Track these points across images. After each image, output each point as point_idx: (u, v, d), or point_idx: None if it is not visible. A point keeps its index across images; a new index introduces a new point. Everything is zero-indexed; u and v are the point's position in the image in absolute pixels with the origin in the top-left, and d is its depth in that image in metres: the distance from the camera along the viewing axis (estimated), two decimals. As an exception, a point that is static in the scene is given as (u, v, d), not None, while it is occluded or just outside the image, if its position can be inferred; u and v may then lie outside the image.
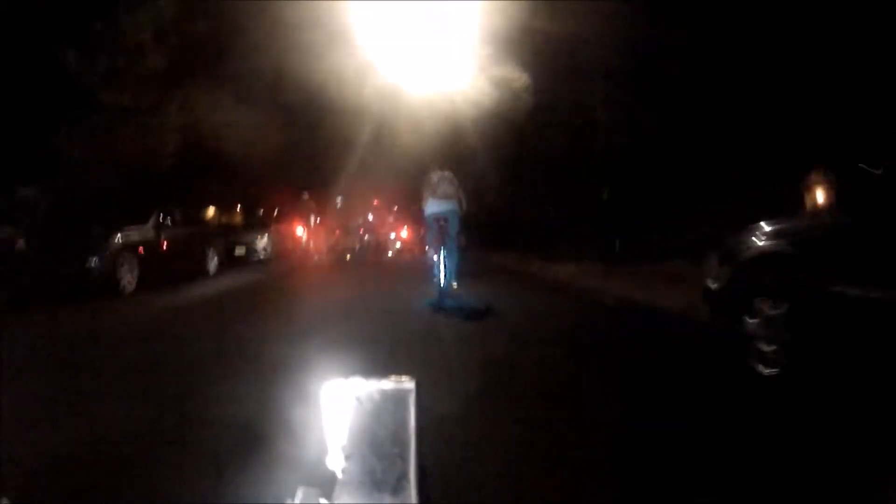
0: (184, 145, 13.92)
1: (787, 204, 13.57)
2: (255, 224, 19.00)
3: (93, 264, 8.69)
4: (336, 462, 0.56)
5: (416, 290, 8.89)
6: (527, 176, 19.00)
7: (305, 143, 21.97)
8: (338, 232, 19.55)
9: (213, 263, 12.60)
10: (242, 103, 15.31)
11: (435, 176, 8.23)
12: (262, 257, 16.96)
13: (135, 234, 9.71)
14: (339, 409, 0.57)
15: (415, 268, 14.18)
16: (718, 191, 13.88)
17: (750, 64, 12.23)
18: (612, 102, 13.78)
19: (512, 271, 14.09)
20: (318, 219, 17.52)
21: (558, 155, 16.05)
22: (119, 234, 9.32)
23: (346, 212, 19.15)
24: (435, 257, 7.93)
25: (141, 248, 9.67)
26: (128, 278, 9.23)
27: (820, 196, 14.60)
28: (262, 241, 17.36)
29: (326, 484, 0.56)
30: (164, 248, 10.42)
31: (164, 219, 10.70)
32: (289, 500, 0.57)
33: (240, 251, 16.27)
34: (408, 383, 0.58)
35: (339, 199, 18.73)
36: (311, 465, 0.60)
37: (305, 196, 17.18)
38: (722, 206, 13.90)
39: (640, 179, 14.63)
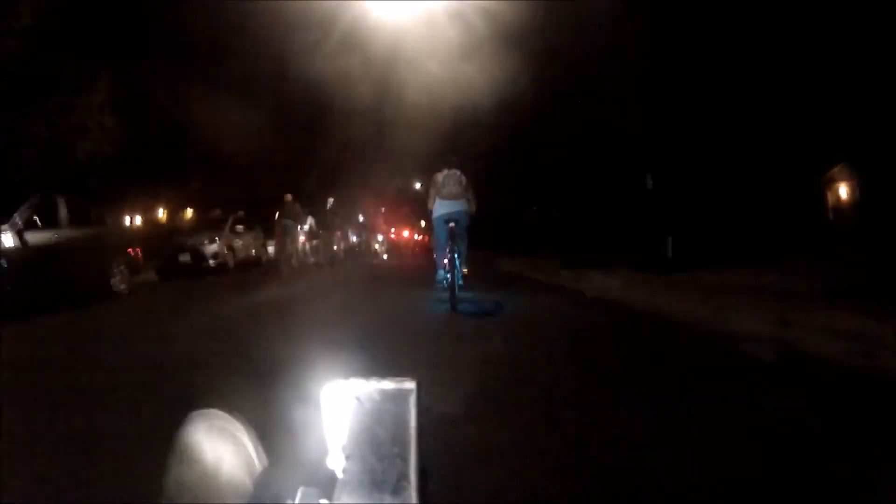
0: (122, 127, 11.80)
1: (808, 201, 13.15)
2: (206, 226, 16.55)
3: None
4: (336, 462, 0.56)
5: (423, 294, 8.66)
6: (531, 171, 18.67)
7: (285, 135, 19.46)
8: (329, 234, 18.35)
9: (119, 279, 9.60)
10: (204, 84, 13.11)
11: (441, 175, 7.77)
12: (211, 265, 14.71)
13: None
14: (339, 410, 0.57)
15: (413, 269, 13.99)
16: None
17: (751, 64, 12.20)
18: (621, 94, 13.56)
19: (530, 282, 11.66)
20: (305, 222, 15.69)
21: (570, 140, 15.28)
22: None
23: (335, 213, 18.18)
24: (445, 260, 7.50)
25: None
26: None
27: (843, 192, 14.30)
28: (213, 247, 14.89)
29: (326, 484, 0.56)
30: (35, 259, 7.60)
31: (37, 217, 7.86)
32: (289, 501, 0.57)
33: (184, 258, 14.55)
34: (408, 383, 0.58)
35: (330, 200, 17.96)
36: (311, 465, 0.59)
37: (289, 198, 14.98)
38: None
39: (674, 169, 12.71)
